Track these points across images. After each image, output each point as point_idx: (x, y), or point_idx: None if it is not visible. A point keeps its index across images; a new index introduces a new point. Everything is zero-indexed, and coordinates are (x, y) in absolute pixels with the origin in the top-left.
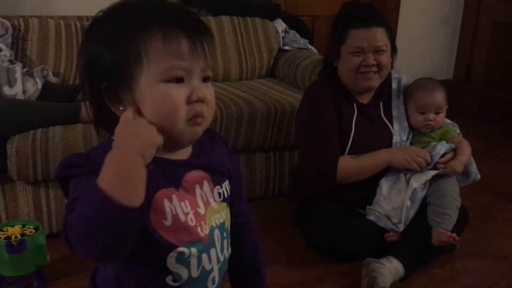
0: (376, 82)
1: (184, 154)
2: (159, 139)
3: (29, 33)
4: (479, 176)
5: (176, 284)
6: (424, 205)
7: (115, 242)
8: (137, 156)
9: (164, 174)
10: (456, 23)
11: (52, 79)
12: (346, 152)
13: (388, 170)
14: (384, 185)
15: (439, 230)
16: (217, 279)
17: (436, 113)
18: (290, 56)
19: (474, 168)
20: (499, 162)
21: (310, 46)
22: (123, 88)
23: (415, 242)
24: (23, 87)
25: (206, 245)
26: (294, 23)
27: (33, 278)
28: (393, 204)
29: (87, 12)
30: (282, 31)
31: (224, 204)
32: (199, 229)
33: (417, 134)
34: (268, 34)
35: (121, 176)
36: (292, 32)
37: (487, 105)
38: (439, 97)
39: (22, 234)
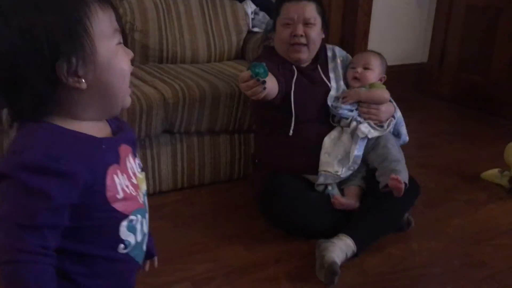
0: (304, 55)
1: (106, 130)
2: None
3: None
4: (408, 138)
5: (125, 251)
6: (372, 178)
7: None
8: None
9: (108, 151)
10: (431, 6)
11: None
12: (292, 109)
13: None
14: (327, 142)
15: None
16: (146, 241)
17: (364, 68)
18: (259, 38)
19: (404, 130)
20: (469, 145)
21: None
22: (81, 59)
23: (366, 217)
24: None
25: (143, 210)
26: (263, 4)
27: None
28: (337, 155)
29: None
30: (252, 13)
31: (144, 173)
32: (138, 197)
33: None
34: (237, 16)
35: None
36: (262, 13)
37: (460, 89)
38: (370, 56)
39: None
